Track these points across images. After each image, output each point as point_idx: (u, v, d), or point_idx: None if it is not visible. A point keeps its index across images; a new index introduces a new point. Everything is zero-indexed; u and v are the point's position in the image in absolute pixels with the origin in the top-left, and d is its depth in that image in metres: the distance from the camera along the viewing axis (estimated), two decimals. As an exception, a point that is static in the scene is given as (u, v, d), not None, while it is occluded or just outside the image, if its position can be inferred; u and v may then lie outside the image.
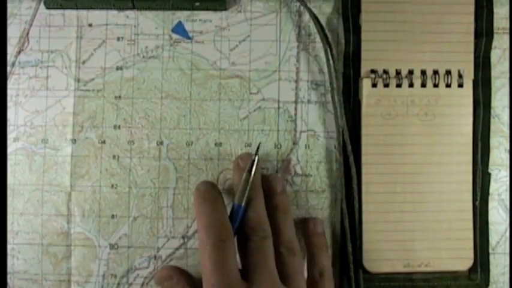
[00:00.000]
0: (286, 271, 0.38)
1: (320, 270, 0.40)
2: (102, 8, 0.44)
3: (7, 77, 0.44)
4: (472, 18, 0.43)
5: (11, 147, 0.44)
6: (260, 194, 0.39)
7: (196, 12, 0.44)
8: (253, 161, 0.39)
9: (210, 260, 0.36)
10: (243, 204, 0.38)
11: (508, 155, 0.43)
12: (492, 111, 0.43)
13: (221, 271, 0.36)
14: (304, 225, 0.42)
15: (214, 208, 0.38)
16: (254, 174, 0.39)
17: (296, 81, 0.44)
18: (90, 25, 0.44)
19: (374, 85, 0.42)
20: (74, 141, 0.44)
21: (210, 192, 0.39)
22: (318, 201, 0.43)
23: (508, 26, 0.44)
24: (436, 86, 0.42)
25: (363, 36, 0.43)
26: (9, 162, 0.44)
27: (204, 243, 0.36)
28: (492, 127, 0.43)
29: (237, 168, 0.41)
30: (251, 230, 0.38)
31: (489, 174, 0.43)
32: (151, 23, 0.44)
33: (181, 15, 0.44)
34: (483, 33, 0.43)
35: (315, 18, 0.43)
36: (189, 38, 0.44)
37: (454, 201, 0.42)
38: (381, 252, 0.42)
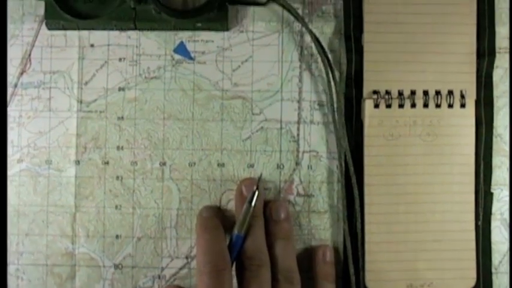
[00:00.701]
0: None
1: None
2: (104, 29, 0.44)
3: (9, 98, 0.44)
4: (474, 38, 0.43)
5: (15, 168, 0.44)
6: (260, 222, 0.40)
7: (198, 32, 0.44)
8: (254, 192, 0.40)
9: None
10: (242, 234, 0.39)
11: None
12: (494, 131, 0.43)
13: None
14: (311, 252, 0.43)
15: (214, 237, 0.39)
16: (255, 205, 0.40)
17: (299, 101, 0.44)
18: (92, 45, 0.44)
19: (376, 106, 0.42)
20: (77, 162, 0.44)
21: (212, 219, 0.40)
22: (320, 222, 0.43)
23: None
24: (438, 106, 0.43)
25: (365, 56, 0.43)
26: (13, 184, 0.44)
27: (201, 272, 0.37)
28: (494, 147, 0.43)
29: (239, 195, 0.41)
30: (248, 259, 0.39)
31: (491, 194, 0.43)
32: (153, 44, 0.44)
33: (183, 36, 0.44)
34: (485, 53, 0.43)
35: (316, 40, 0.43)
36: (191, 58, 0.44)
37: (456, 222, 0.42)
38: (383, 273, 0.42)
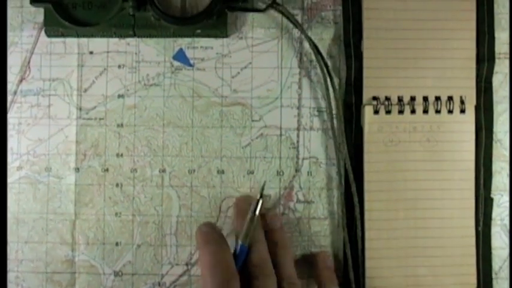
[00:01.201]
0: None
1: None
2: (103, 36, 0.44)
3: (8, 105, 0.44)
4: (473, 43, 0.43)
5: (14, 176, 0.44)
6: (261, 233, 0.40)
7: (197, 39, 0.44)
8: (258, 201, 0.40)
9: None
10: (247, 244, 0.39)
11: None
12: (494, 136, 0.43)
13: None
14: (311, 259, 0.43)
15: (219, 248, 0.38)
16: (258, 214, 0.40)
17: (298, 107, 0.44)
18: (91, 53, 0.44)
19: (376, 112, 0.42)
20: (77, 169, 0.44)
21: (213, 233, 0.39)
22: (320, 228, 0.43)
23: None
24: (438, 112, 0.42)
25: (365, 63, 0.43)
26: (13, 191, 0.44)
27: (209, 283, 0.37)
28: (494, 152, 0.43)
29: (237, 213, 0.41)
30: (255, 268, 0.38)
31: (491, 199, 0.43)
32: (153, 51, 0.44)
33: (182, 43, 0.44)
34: (485, 58, 0.43)
35: (315, 47, 0.43)
36: (190, 65, 0.44)
37: (456, 227, 0.42)
38: (384, 279, 0.42)
